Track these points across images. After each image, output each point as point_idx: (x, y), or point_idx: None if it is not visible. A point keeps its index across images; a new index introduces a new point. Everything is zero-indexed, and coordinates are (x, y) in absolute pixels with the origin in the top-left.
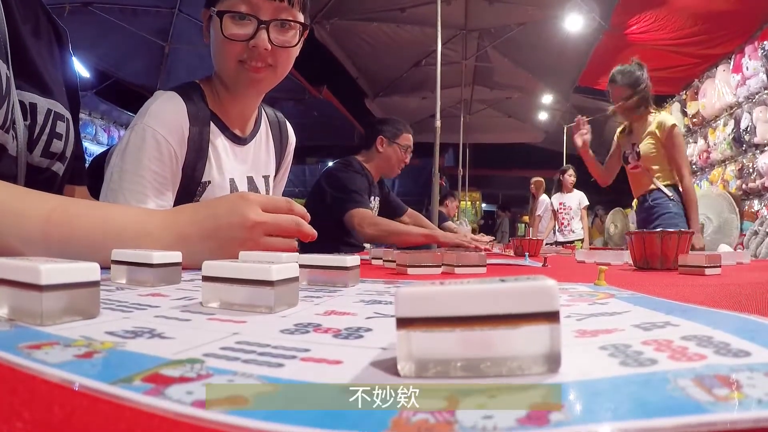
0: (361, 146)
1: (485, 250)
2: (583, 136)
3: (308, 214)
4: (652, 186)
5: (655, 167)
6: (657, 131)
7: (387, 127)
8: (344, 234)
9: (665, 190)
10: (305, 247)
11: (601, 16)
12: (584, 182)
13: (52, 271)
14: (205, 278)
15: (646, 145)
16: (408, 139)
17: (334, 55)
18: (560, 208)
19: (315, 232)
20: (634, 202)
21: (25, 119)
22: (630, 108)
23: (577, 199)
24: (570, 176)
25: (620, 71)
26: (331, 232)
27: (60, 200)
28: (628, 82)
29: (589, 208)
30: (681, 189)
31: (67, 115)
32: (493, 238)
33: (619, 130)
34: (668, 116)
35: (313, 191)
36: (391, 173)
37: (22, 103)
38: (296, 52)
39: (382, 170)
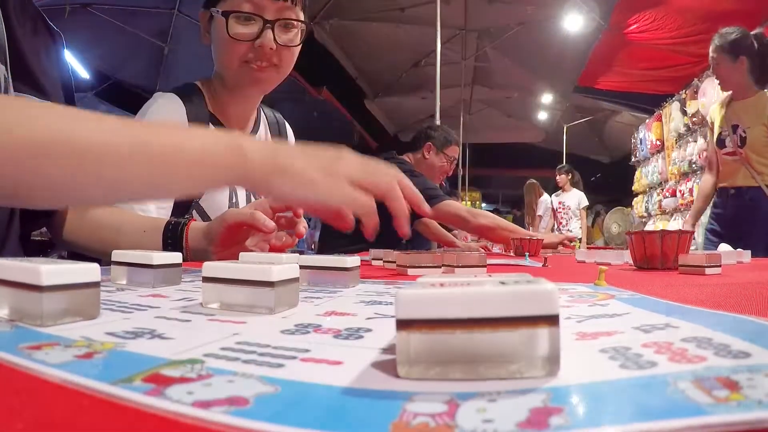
0: (406, 148)
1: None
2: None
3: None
4: (754, 182)
5: (760, 159)
6: None
7: (437, 134)
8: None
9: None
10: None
11: (600, 15)
12: (584, 181)
13: (53, 271)
14: (206, 279)
15: (756, 132)
16: (455, 151)
17: (333, 56)
18: (559, 208)
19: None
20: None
21: None
22: (725, 77)
23: (576, 199)
24: (560, 175)
25: (720, 32)
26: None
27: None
28: (721, 45)
29: (589, 208)
30: None
31: None
32: None
33: (715, 110)
34: None
35: None
36: (431, 180)
37: None
38: (298, 51)
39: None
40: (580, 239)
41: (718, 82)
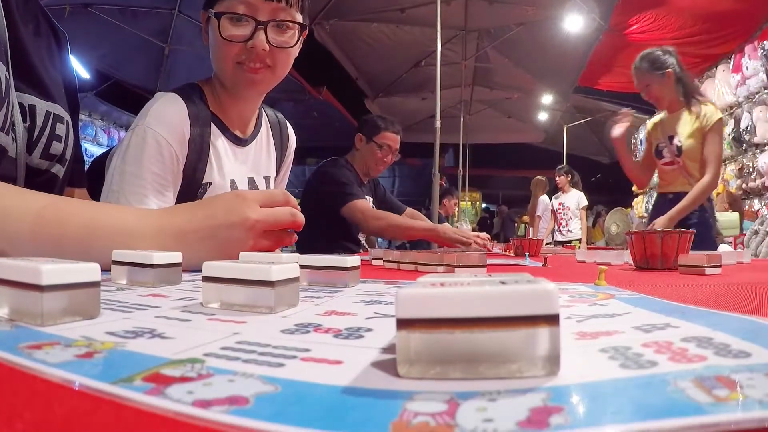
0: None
1: (484, 247)
2: (623, 128)
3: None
4: (688, 189)
5: (696, 166)
6: (702, 125)
7: (367, 124)
8: (341, 233)
9: None
10: (303, 250)
11: (600, 16)
12: (584, 181)
13: (53, 271)
14: (206, 278)
15: (690, 141)
16: (387, 137)
17: (333, 56)
18: (559, 208)
19: (303, 220)
20: (636, 201)
21: (24, 121)
22: (658, 94)
23: (575, 199)
24: (559, 176)
25: (642, 55)
26: (329, 231)
27: (52, 198)
28: (648, 65)
29: (590, 208)
30: (702, 180)
31: (67, 117)
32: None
33: (650, 124)
34: (715, 110)
35: (306, 192)
36: (370, 172)
37: (21, 105)
38: (295, 52)
39: (363, 168)
40: (579, 239)
41: (653, 102)
